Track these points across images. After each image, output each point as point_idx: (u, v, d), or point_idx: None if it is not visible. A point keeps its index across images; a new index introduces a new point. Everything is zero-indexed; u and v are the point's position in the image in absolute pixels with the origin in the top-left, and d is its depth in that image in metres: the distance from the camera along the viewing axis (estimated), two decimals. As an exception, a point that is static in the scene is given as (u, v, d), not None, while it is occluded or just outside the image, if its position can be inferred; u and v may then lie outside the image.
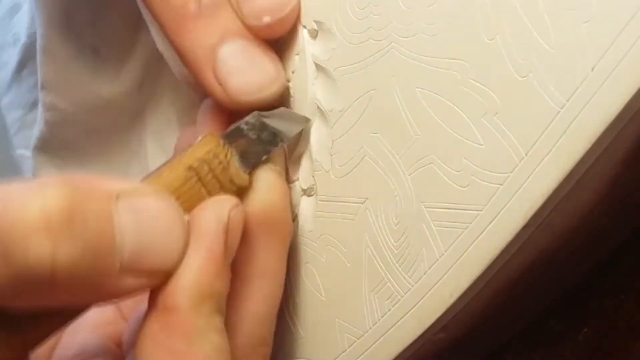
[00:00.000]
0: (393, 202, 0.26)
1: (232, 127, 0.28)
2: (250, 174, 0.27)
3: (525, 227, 0.23)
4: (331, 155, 0.28)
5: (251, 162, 0.27)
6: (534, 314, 0.29)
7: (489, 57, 0.23)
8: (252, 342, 0.27)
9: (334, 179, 0.28)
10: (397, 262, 0.26)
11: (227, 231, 0.24)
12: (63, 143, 0.40)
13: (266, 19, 0.28)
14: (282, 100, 0.30)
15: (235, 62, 0.28)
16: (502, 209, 0.23)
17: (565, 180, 0.22)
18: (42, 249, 0.21)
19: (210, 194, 0.26)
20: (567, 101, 0.22)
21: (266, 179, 0.27)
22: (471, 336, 0.27)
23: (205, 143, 0.26)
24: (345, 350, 0.28)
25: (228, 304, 0.25)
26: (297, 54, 0.30)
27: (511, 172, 0.23)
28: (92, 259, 0.22)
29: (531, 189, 0.23)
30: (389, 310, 0.26)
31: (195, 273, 0.24)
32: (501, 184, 0.23)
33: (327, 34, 0.28)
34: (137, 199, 0.23)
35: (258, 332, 0.27)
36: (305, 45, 0.29)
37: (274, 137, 0.28)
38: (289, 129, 0.29)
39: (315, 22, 0.29)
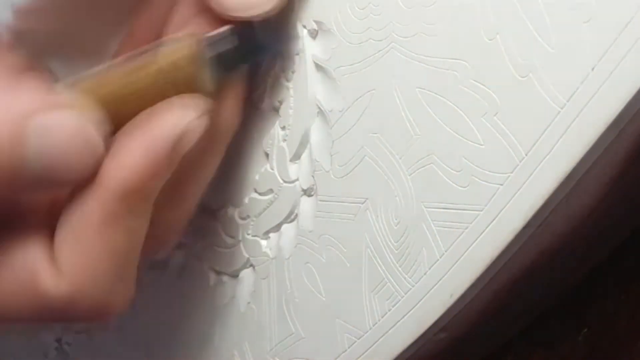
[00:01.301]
0: (393, 202, 0.26)
1: (217, 31, 0.27)
2: (224, 79, 0.27)
3: (526, 227, 0.23)
4: (331, 155, 0.28)
5: (227, 68, 0.27)
6: (533, 314, 0.29)
7: (489, 57, 0.23)
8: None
9: (334, 179, 0.28)
10: (397, 262, 0.26)
11: (178, 139, 0.25)
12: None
13: None
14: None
15: None
16: (503, 209, 0.23)
17: (565, 181, 0.22)
18: None
19: (178, 94, 0.26)
20: (568, 101, 0.22)
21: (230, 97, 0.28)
22: (471, 336, 0.27)
23: (183, 46, 0.26)
24: (346, 350, 0.28)
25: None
26: (297, 54, 0.30)
27: (511, 172, 0.23)
28: (3, 175, 0.24)
29: (531, 189, 0.23)
30: (389, 310, 0.26)
31: (130, 168, 0.25)
32: (501, 184, 0.23)
33: (327, 34, 0.28)
34: (47, 118, 0.24)
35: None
36: (305, 45, 0.29)
37: (256, 48, 0.28)
38: (273, 43, 0.28)
39: (315, 22, 0.29)
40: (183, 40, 0.26)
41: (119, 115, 0.26)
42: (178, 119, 0.26)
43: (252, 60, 0.28)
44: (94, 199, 0.25)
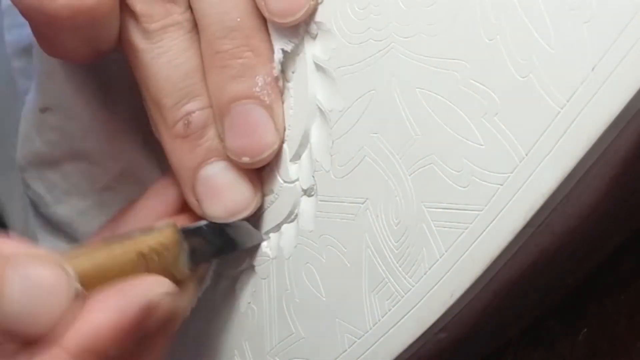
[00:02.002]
0: (393, 202, 0.26)
1: (194, 225, 0.30)
2: (194, 270, 0.29)
3: (526, 227, 0.23)
4: (331, 156, 0.28)
5: (198, 261, 0.29)
6: (534, 314, 0.29)
7: (489, 57, 0.23)
8: None
9: (334, 179, 0.28)
10: (397, 262, 0.26)
11: (147, 309, 0.26)
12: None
13: (245, 159, 0.30)
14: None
15: (212, 185, 0.30)
16: (503, 209, 0.23)
17: (565, 181, 0.22)
18: None
19: None
20: (568, 101, 0.22)
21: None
22: (471, 336, 0.27)
23: (163, 235, 0.28)
24: (346, 350, 0.28)
25: None
26: (297, 55, 0.30)
27: (511, 172, 0.23)
28: None
29: (531, 189, 0.23)
30: (389, 310, 0.26)
31: (95, 327, 0.25)
32: (501, 184, 0.23)
33: (327, 34, 0.28)
34: (30, 266, 0.25)
35: None
36: (305, 46, 0.29)
37: (228, 245, 0.30)
38: (244, 241, 0.31)
39: (315, 22, 0.29)
40: (163, 229, 0.28)
41: (96, 285, 0.27)
42: (151, 288, 0.26)
43: (220, 255, 0.31)
44: (48, 354, 0.25)
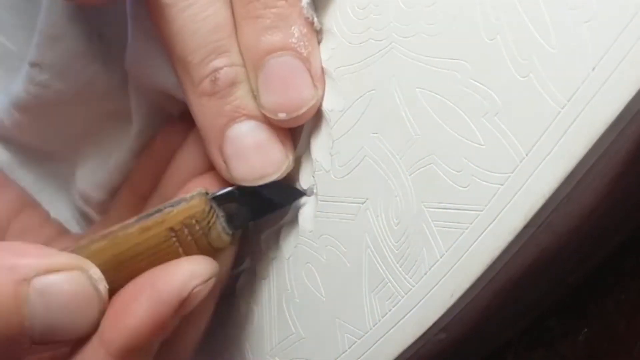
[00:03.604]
0: (393, 202, 0.26)
1: (225, 190, 0.28)
2: (234, 235, 0.28)
3: (526, 227, 0.23)
4: (331, 156, 0.28)
5: (236, 226, 0.28)
6: (534, 314, 0.29)
7: (489, 57, 0.23)
8: None
9: (334, 179, 0.28)
10: (397, 263, 0.26)
11: (185, 299, 0.26)
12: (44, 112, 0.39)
13: (281, 115, 0.28)
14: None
15: (240, 146, 0.28)
16: (503, 209, 0.23)
17: (566, 181, 0.22)
18: None
19: (186, 253, 0.27)
20: (568, 101, 0.22)
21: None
22: (472, 336, 0.27)
23: (192, 206, 0.27)
24: (346, 350, 0.28)
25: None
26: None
27: (512, 172, 0.23)
28: (3, 339, 0.24)
29: (532, 189, 0.23)
30: (389, 310, 0.26)
31: (133, 327, 0.25)
32: (502, 184, 0.23)
33: (327, 34, 0.28)
34: (47, 280, 0.25)
35: None
36: (305, 45, 0.29)
37: (266, 205, 0.29)
38: (280, 200, 0.29)
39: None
40: (192, 200, 0.27)
41: (130, 272, 0.27)
42: (186, 280, 0.26)
43: (258, 217, 0.29)
44: (94, 357, 0.26)
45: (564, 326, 0.29)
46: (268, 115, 0.28)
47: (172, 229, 0.27)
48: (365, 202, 0.27)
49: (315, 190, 0.29)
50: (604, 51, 0.21)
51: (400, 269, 0.26)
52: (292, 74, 0.28)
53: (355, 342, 0.27)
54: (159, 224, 0.27)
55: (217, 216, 0.27)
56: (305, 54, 0.28)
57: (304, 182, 0.30)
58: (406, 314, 0.26)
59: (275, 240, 0.31)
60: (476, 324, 0.26)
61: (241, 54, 0.28)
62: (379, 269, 0.26)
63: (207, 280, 0.26)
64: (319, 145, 0.29)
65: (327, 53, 0.28)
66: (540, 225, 0.23)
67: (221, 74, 0.28)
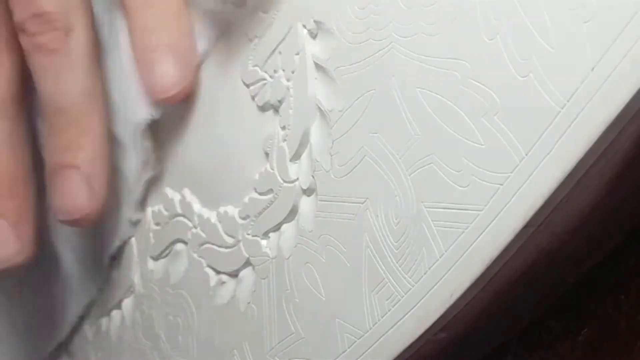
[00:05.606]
0: (393, 202, 0.26)
1: None
2: None
3: (526, 227, 0.23)
4: (331, 155, 0.28)
5: None
6: (533, 314, 0.29)
7: (489, 57, 0.23)
8: None
9: (334, 179, 0.28)
10: (397, 262, 0.26)
11: None
12: None
13: (60, 217, 0.35)
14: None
15: None
16: (503, 208, 0.23)
17: (565, 180, 0.22)
18: None
19: None
20: (568, 101, 0.22)
21: None
22: (471, 336, 0.27)
23: None
24: (346, 350, 0.28)
25: None
26: (297, 54, 0.30)
27: (511, 172, 0.23)
28: None
29: (531, 189, 0.23)
30: (389, 310, 0.26)
31: None
32: (501, 184, 0.23)
33: (327, 33, 0.28)
34: None
35: None
36: (305, 45, 0.29)
37: None
38: None
39: (315, 22, 0.29)
40: None
41: None
42: None
43: None
44: None
45: (564, 326, 0.29)
46: (53, 214, 0.35)
47: None
48: (365, 202, 0.27)
49: (315, 190, 0.29)
50: (603, 51, 0.21)
51: (400, 269, 0.26)
52: (73, 187, 0.34)
53: (355, 341, 0.27)
54: None
55: None
56: (88, 173, 0.34)
57: (303, 182, 0.30)
58: (406, 314, 0.26)
59: (275, 240, 0.31)
60: (476, 324, 0.26)
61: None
62: (379, 268, 0.26)
63: None
64: (319, 145, 0.29)
65: (327, 53, 0.28)
66: (539, 225, 0.23)
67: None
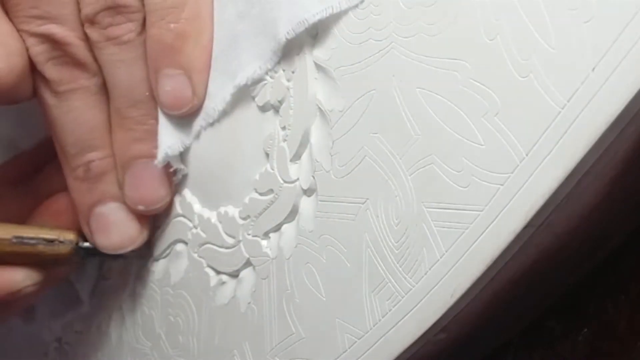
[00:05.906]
0: (393, 203, 0.26)
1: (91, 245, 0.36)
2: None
3: (526, 228, 0.23)
4: (331, 156, 0.28)
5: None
6: (534, 314, 0.29)
7: (489, 57, 0.23)
8: None
9: (334, 179, 0.28)
10: (397, 263, 0.26)
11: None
12: None
13: (140, 207, 0.35)
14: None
15: (103, 222, 0.35)
16: (503, 209, 0.23)
17: (566, 181, 0.22)
18: None
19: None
20: (568, 101, 0.22)
21: None
22: (472, 336, 0.27)
23: (61, 249, 0.35)
24: (346, 350, 0.28)
25: None
26: (297, 54, 0.30)
27: (512, 172, 0.23)
28: None
29: (532, 189, 0.23)
30: (389, 310, 0.26)
31: None
32: (502, 184, 0.23)
33: (327, 33, 0.28)
34: None
35: None
36: (305, 45, 0.29)
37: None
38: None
39: (315, 22, 0.29)
40: (62, 245, 0.35)
41: None
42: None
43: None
44: None
45: (564, 326, 0.29)
46: (130, 205, 0.35)
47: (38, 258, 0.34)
48: (365, 202, 0.27)
49: (315, 190, 0.29)
50: (603, 51, 0.21)
51: (400, 269, 0.26)
52: (152, 176, 0.35)
53: (356, 342, 0.27)
54: (28, 256, 0.34)
55: (78, 255, 0.36)
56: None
57: (304, 182, 0.30)
58: (406, 314, 0.26)
59: (276, 240, 0.31)
60: (476, 324, 0.26)
61: (112, 149, 0.35)
62: (379, 269, 0.26)
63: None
64: (319, 145, 0.29)
65: (327, 53, 0.28)
66: (540, 225, 0.23)
67: (93, 165, 0.35)
